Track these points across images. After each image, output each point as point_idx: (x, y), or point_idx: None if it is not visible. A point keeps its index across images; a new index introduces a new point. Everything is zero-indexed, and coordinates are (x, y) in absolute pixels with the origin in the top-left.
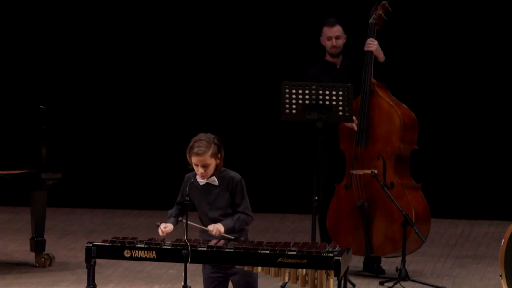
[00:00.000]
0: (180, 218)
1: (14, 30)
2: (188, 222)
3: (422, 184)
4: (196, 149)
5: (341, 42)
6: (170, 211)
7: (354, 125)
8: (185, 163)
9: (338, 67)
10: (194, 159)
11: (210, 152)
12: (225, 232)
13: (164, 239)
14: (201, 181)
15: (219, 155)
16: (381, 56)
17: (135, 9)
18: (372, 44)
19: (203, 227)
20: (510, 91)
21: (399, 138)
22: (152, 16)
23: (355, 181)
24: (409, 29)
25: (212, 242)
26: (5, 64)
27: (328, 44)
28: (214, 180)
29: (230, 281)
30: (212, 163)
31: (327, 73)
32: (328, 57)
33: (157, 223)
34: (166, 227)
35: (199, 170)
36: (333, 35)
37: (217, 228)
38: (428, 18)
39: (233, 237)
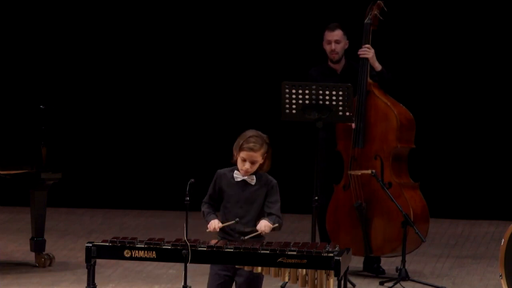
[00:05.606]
0: (237, 219)
1: (14, 30)
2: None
3: (420, 183)
4: (252, 144)
5: (340, 47)
6: (204, 209)
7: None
8: (185, 163)
9: (338, 73)
10: (245, 154)
11: (262, 150)
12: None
13: (164, 238)
14: (238, 177)
15: (266, 155)
16: (376, 65)
17: (135, 9)
18: (369, 52)
19: (256, 231)
20: (510, 90)
21: (396, 138)
22: (152, 16)
23: (353, 182)
24: (405, 28)
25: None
26: (5, 64)
27: (327, 48)
28: (253, 179)
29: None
30: (259, 161)
31: (327, 78)
32: (329, 63)
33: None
34: (217, 224)
35: (244, 166)
36: (332, 39)
37: (268, 226)
38: (424, 17)
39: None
